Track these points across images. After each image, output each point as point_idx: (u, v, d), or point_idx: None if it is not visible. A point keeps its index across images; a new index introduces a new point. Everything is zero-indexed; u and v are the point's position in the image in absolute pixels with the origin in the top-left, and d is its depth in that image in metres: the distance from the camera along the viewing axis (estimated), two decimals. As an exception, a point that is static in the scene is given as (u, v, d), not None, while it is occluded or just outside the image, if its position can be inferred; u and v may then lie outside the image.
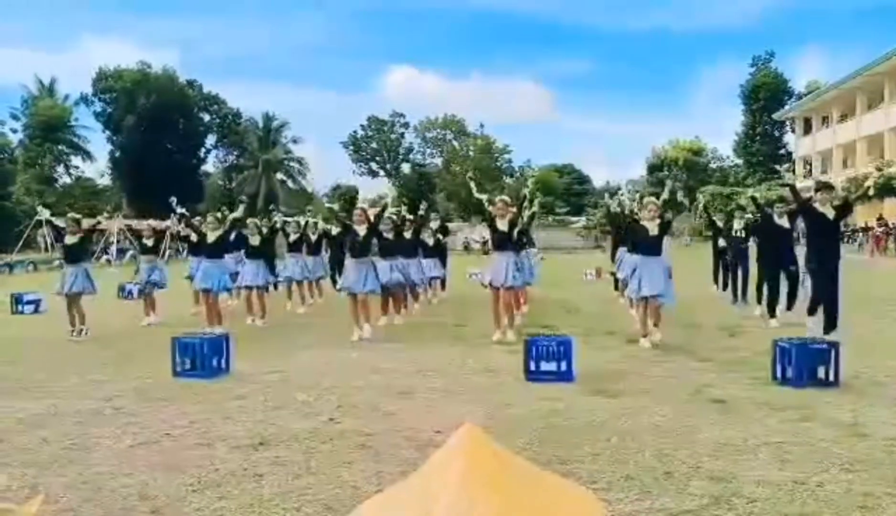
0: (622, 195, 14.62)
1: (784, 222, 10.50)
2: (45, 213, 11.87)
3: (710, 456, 4.50)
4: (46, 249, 38.07)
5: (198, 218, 14.44)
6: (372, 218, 10.29)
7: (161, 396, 6.55)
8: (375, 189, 74.86)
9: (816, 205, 8.74)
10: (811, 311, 8.75)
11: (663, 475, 4.19)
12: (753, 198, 12.08)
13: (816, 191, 8.93)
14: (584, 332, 9.48)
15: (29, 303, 14.89)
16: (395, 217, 11.99)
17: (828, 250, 8.64)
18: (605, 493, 3.93)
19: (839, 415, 5.39)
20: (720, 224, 14.22)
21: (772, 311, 10.47)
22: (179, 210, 12.38)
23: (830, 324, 8.41)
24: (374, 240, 10.78)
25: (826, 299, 8.47)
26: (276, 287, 14.39)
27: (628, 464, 4.39)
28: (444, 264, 14.94)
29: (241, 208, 11.83)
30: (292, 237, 14.06)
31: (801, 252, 9.58)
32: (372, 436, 5.09)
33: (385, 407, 5.98)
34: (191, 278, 13.43)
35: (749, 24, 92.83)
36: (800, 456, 4.47)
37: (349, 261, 10.07)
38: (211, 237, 11.07)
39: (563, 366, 6.84)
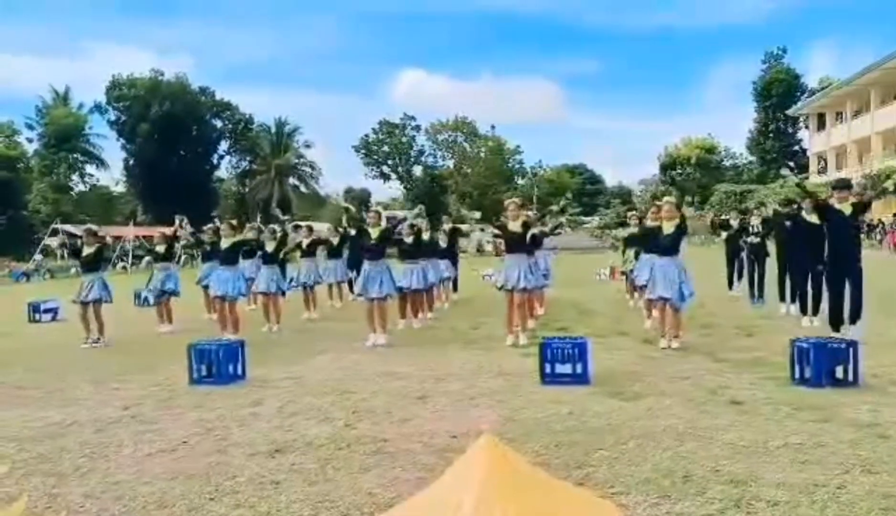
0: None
1: (814, 219, 10.20)
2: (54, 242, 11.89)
3: (729, 459, 4.46)
4: (63, 257, 38.39)
5: (210, 225, 14.50)
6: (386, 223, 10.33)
7: (178, 403, 6.58)
8: (387, 192, 75.21)
9: (834, 202, 8.65)
10: (835, 327, 8.50)
11: (682, 478, 4.16)
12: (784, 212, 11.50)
13: (834, 189, 8.84)
14: (599, 334, 9.45)
15: (47, 311, 15.02)
16: (415, 222, 12.04)
17: (846, 248, 8.52)
18: (623, 497, 3.90)
19: (859, 416, 5.33)
20: (734, 223, 14.04)
21: (804, 310, 10.29)
22: (186, 227, 12.47)
23: (854, 317, 8.34)
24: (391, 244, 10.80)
25: (851, 296, 8.38)
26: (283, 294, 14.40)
27: (646, 468, 4.36)
28: (454, 265, 14.91)
29: (249, 230, 12.12)
30: (304, 243, 14.11)
31: None
32: (388, 442, 5.09)
33: (401, 412, 5.98)
34: (204, 284, 13.49)
35: (760, 21, 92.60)
36: (820, 458, 4.42)
37: (365, 265, 10.07)
38: (225, 243, 11.11)
39: (579, 369, 6.81)
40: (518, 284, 9.21)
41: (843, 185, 8.94)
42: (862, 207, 8.92)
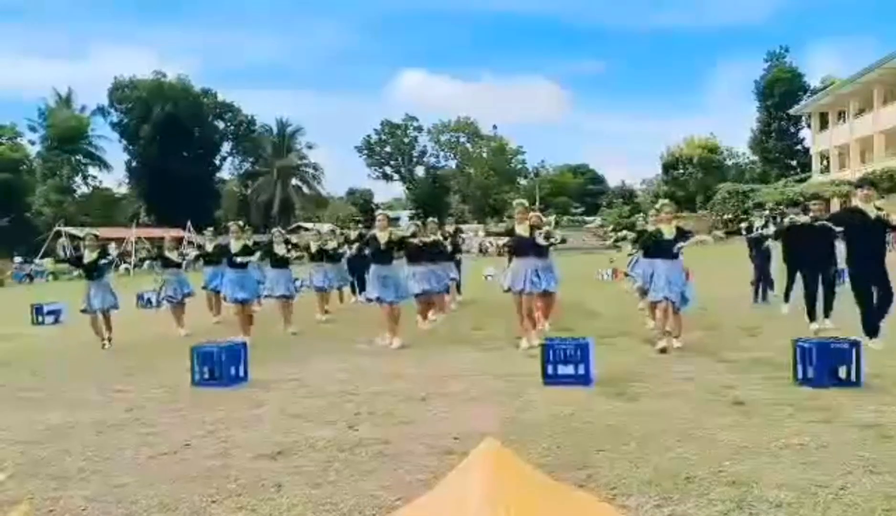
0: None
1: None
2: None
3: (731, 460, 4.45)
4: (66, 259, 38.51)
5: (210, 229, 14.48)
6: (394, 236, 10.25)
7: (180, 406, 6.59)
8: (389, 192, 75.33)
9: (858, 203, 8.25)
10: (871, 331, 7.89)
11: (684, 480, 4.14)
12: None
13: (857, 187, 8.54)
14: (602, 334, 9.40)
15: (49, 313, 15.05)
16: (418, 223, 12.03)
17: (868, 252, 8.01)
18: (625, 499, 3.89)
19: (862, 416, 5.31)
20: (758, 223, 13.40)
21: (811, 315, 9.76)
22: (192, 249, 12.43)
23: (872, 331, 7.88)
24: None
25: (872, 304, 7.96)
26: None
27: (648, 469, 4.35)
28: (458, 268, 14.86)
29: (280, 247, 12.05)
30: (314, 247, 14.11)
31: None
32: (391, 444, 5.08)
33: (403, 413, 5.97)
34: (213, 289, 13.46)
35: (762, 21, 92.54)
36: (822, 459, 4.41)
37: (373, 269, 9.96)
38: (235, 247, 11.10)
39: (581, 370, 6.79)
40: (525, 288, 9.17)
41: (867, 182, 8.52)
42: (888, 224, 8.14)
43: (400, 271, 10.41)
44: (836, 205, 33.99)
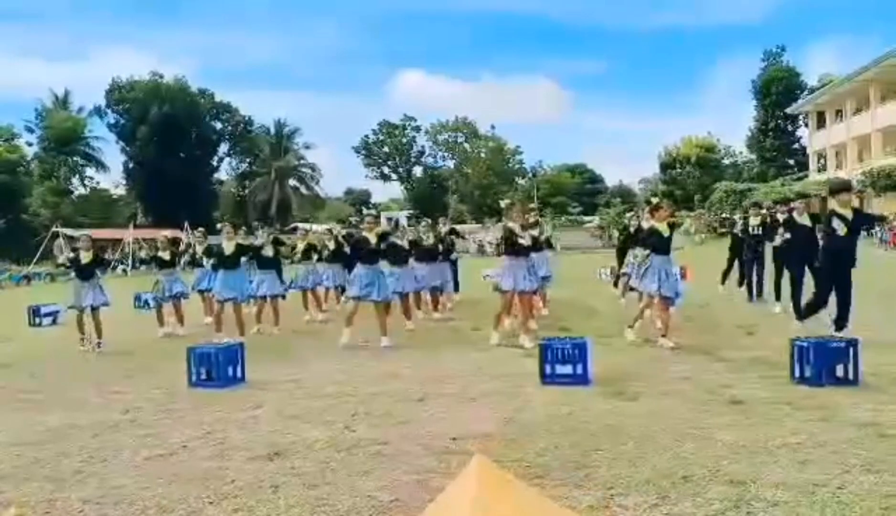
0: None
1: (806, 220, 10.29)
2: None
3: (729, 459, 4.45)
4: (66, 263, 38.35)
5: (200, 229, 14.42)
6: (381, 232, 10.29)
7: (177, 407, 6.58)
8: (387, 192, 75.30)
9: (834, 206, 8.43)
10: (803, 316, 8.55)
11: (681, 479, 4.14)
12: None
13: (833, 193, 8.69)
14: (600, 334, 9.40)
15: (47, 315, 15.02)
16: (404, 225, 12.05)
17: (842, 252, 8.29)
18: (623, 498, 3.89)
19: (859, 415, 5.32)
20: (738, 220, 13.72)
21: (797, 311, 9.84)
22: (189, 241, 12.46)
23: (841, 321, 8.20)
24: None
25: (839, 299, 8.26)
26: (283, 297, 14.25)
27: (645, 468, 4.35)
28: (454, 267, 14.80)
29: (261, 239, 12.13)
30: (301, 246, 14.08)
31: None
32: (388, 444, 5.08)
33: (400, 414, 5.97)
34: (200, 289, 13.43)
35: (760, 20, 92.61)
36: (820, 458, 4.41)
37: (358, 268, 9.98)
38: (228, 248, 11.08)
39: (579, 369, 6.80)
40: (516, 286, 9.16)
41: (845, 187, 8.72)
42: (867, 218, 8.76)
43: (385, 271, 10.40)
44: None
